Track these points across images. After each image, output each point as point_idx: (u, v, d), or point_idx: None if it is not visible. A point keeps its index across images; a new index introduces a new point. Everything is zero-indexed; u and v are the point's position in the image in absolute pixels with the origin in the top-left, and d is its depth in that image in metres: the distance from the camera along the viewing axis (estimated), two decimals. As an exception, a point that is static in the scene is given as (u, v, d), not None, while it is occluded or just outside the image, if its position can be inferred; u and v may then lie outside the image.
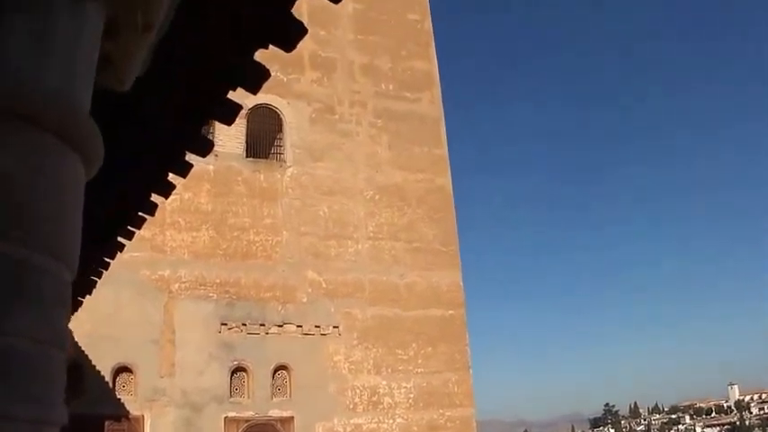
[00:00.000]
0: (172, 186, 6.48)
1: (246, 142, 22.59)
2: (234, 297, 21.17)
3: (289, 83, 23.14)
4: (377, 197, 23.85)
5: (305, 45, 22.78)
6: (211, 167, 21.63)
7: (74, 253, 1.44)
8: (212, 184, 21.72)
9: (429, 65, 26.46)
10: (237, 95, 4.78)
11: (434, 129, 25.65)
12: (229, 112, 5.03)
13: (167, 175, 6.10)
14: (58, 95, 1.35)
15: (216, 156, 21.64)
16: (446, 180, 25.23)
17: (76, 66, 1.46)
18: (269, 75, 4.69)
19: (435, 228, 24.40)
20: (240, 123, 21.81)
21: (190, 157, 5.74)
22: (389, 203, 23.96)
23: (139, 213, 7.24)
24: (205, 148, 5.60)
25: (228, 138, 21.61)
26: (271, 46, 4.31)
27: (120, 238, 8.19)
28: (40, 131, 1.28)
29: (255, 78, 4.60)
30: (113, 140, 5.14)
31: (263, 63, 4.51)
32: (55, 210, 1.31)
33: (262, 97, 21.71)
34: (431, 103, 25.92)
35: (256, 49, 4.32)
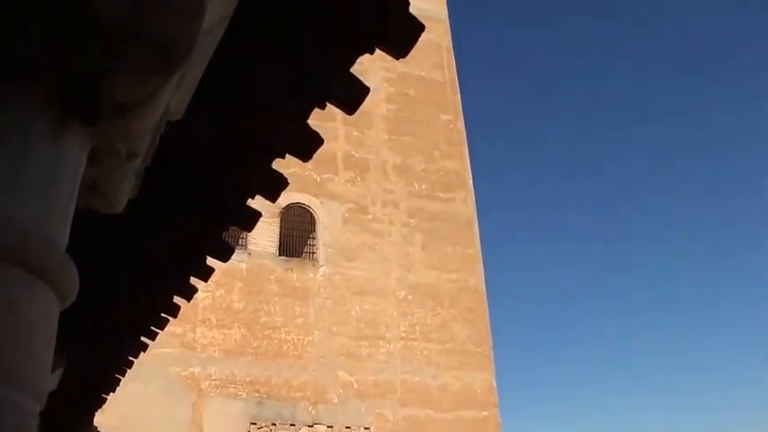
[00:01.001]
0: (194, 290, 6.56)
1: (279, 241, 22.77)
2: (264, 396, 21.01)
3: (322, 182, 23.45)
4: (409, 297, 23.77)
5: (339, 145, 23.22)
6: (244, 266, 21.79)
7: (41, 384, 1.46)
8: (245, 282, 21.82)
9: (462, 165, 26.71)
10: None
11: (467, 228, 25.71)
12: (249, 219, 5.12)
13: (189, 279, 6.17)
14: (31, 229, 1.40)
15: (249, 254, 21.84)
16: (479, 280, 25.13)
17: (53, 198, 1.51)
18: (287, 183, 4.78)
19: (468, 328, 24.19)
20: (273, 222, 22.05)
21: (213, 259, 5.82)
22: (422, 303, 23.85)
23: (162, 315, 7.30)
24: (226, 253, 5.69)
25: (261, 236, 21.83)
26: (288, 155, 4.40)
27: (143, 338, 8.24)
28: (10, 266, 1.33)
29: (273, 187, 4.69)
30: (136, 245, 5.27)
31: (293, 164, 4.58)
32: (22, 344, 1.35)
33: (295, 196, 22.03)
34: (464, 202, 26.06)
35: (273, 159, 4.41)
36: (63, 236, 1.59)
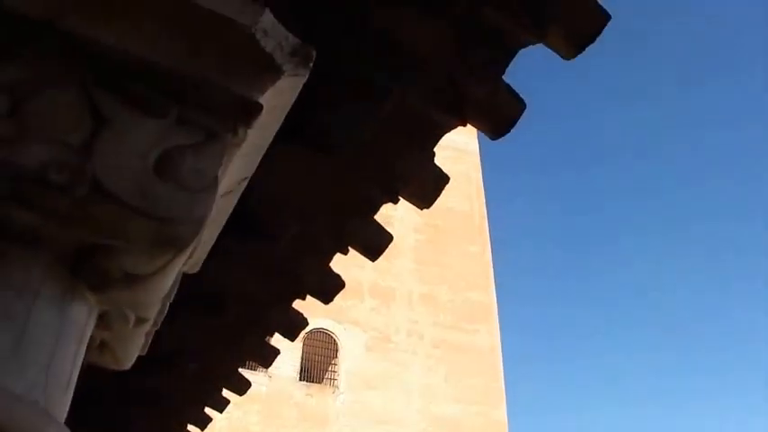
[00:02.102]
0: (208, 419, 6.48)
1: (301, 365, 22.60)
2: None
3: (347, 309, 23.36)
4: (430, 429, 23.30)
5: (365, 274, 23.20)
6: (264, 389, 21.56)
7: None
8: (263, 404, 21.55)
9: (488, 296, 26.59)
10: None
11: (491, 361, 25.39)
12: (267, 356, 5.10)
13: (204, 409, 6.10)
14: (28, 403, 1.39)
15: (269, 377, 21.63)
16: (502, 413, 24.65)
17: (55, 368, 1.51)
18: (306, 323, 4.78)
19: (489, 463, 23.61)
20: (296, 346, 21.91)
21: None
22: (442, 436, 23.37)
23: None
24: (242, 387, 5.65)
25: (283, 360, 21.64)
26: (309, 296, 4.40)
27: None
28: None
29: (293, 327, 4.68)
30: (152, 378, 5.24)
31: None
32: None
33: (319, 321, 21.95)
34: (488, 334, 25.82)
35: (294, 300, 4.41)
36: (64, 406, 1.58)
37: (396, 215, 23.19)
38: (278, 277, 4.14)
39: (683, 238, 78.31)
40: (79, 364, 1.64)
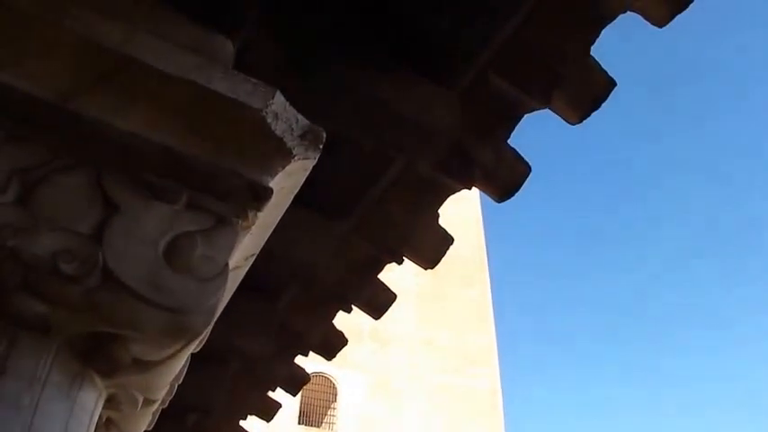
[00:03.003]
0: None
1: (300, 409, 22.41)
2: None
3: (347, 352, 23.07)
4: (429, 474, 23.07)
5: (365, 318, 23.07)
6: (263, 433, 21.35)
7: None
8: (263, 449, 21.33)
9: (488, 340, 26.42)
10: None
11: (492, 404, 25.17)
12: (269, 411, 5.08)
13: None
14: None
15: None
16: (502, 459, 24.42)
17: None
18: (308, 378, 4.77)
19: None
20: (295, 390, 21.73)
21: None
22: (442, 482, 23.12)
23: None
24: (243, 440, 5.62)
25: (282, 403, 21.46)
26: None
27: None
28: None
29: (295, 382, 4.67)
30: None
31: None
32: None
33: (319, 365, 21.77)
34: (489, 378, 25.62)
35: (296, 355, 4.39)
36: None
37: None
38: (280, 333, 4.12)
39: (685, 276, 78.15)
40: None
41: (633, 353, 79.09)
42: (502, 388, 25.86)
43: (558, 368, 79.54)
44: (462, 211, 27.22)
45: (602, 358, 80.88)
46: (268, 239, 2.30)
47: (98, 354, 1.57)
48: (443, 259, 3.69)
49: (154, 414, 1.95)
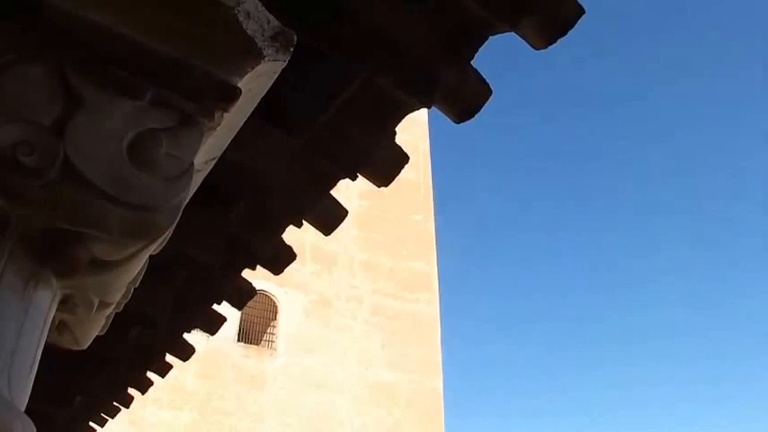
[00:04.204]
0: (149, 383, 6.43)
1: (240, 327, 22.52)
2: (209, 483, 20.48)
3: (288, 272, 23.04)
4: (365, 395, 23.45)
5: (308, 237, 23.13)
6: (201, 348, 21.40)
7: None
8: (201, 364, 21.40)
9: (429, 267, 26.72)
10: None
11: (430, 331, 25.55)
12: (213, 323, 5.07)
13: (146, 374, 6.05)
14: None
15: (207, 337, 21.50)
16: (438, 383, 24.88)
17: (17, 356, 1.45)
18: (255, 293, 4.77)
19: (423, 431, 23.84)
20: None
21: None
22: (378, 402, 23.52)
23: (114, 403, 7.13)
24: (186, 353, 5.62)
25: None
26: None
27: (92, 424, 8.04)
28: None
29: (241, 296, 4.67)
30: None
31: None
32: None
33: (260, 283, 21.81)
34: (428, 304, 25.96)
35: (244, 269, 4.37)
36: (27, 392, 1.53)
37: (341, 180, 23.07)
38: (230, 246, 4.10)
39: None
40: (41, 348, 1.59)
41: (581, 267, 79.83)
42: (441, 314, 26.28)
43: (501, 299, 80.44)
44: (410, 138, 27.21)
45: (542, 282, 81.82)
46: (225, 149, 2.26)
47: (55, 253, 1.52)
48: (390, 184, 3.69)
49: (108, 318, 1.92)
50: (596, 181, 75.90)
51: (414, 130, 27.43)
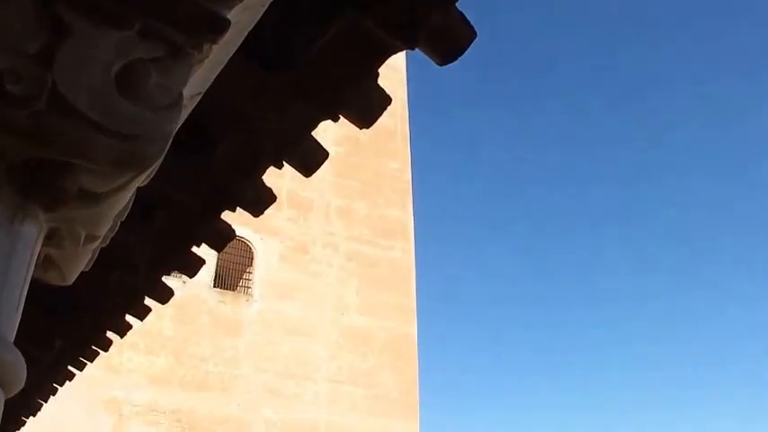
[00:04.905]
0: (128, 326, 6.44)
1: (216, 272, 22.55)
2: (185, 427, 20.62)
3: (264, 218, 23.05)
4: (341, 340, 23.64)
5: (284, 183, 23.08)
6: (178, 293, 21.42)
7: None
8: (177, 309, 21.44)
9: (405, 214, 26.78)
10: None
11: (405, 278, 25.70)
12: (192, 266, 5.08)
13: (124, 317, 6.06)
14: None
15: (184, 282, 21.52)
16: (412, 329, 25.10)
17: (5, 291, 1.45)
18: (234, 235, 4.76)
19: (397, 376, 24.10)
20: (211, 253, 21.75)
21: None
22: (353, 348, 23.73)
23: (93, 347, 7.14)
24: (165, 295, 5.64)
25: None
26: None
27: (71, 368, 8.06)
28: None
29: (220, 238, 4.66)
30: (76, 281, 5.15)
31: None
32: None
33: (237, 230, 21.77)
34: (403, 252, 26.08)
35: (224, 211, 4.36)
36: (14, 327, 1.53)
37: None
38: (209, 188, 4.08)
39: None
40: (28, 283, 1.58)
41: (559, 223, 79.99)
42: (416, 262, 26.40)
43: (478, 248, 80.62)
44: (387, 84, 26.92)
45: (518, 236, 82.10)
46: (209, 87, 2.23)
47: (43, 185, 1.50)
48: (366, 129, 3.68)
49: (94, 252, 1.91)
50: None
51: (391, 77, 27.25)
